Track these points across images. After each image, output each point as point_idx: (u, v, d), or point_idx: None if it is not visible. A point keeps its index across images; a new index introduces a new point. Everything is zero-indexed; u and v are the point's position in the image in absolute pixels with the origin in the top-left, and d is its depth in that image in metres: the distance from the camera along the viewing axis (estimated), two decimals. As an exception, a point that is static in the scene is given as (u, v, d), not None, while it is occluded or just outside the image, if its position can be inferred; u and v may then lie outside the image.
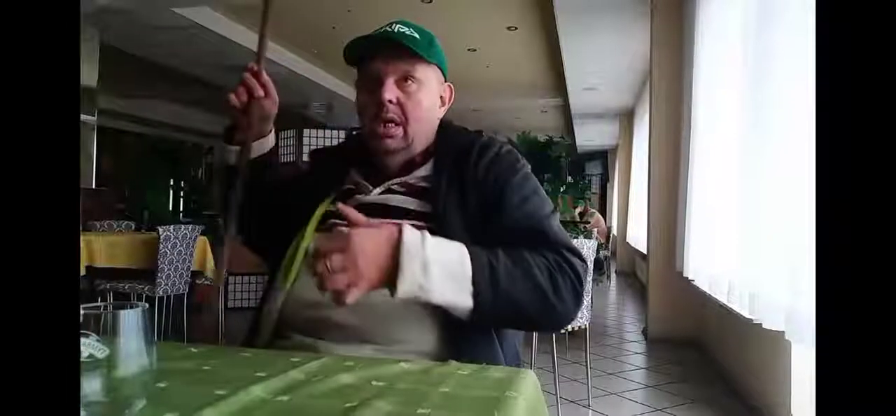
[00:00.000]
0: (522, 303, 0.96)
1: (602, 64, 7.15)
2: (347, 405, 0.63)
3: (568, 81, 8.00)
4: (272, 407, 0.63)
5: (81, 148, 5.87)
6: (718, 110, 3.66)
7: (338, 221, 1.07)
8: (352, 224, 0.90)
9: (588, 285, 3.14)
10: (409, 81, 1.12)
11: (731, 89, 3.33)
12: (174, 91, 9.53)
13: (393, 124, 1.12)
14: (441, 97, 1.21)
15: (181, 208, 12.10)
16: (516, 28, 6.80)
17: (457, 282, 0.91)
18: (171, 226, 4.18)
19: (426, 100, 1.14)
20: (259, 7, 1.16)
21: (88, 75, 6.28)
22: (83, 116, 6.20)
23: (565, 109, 10.21)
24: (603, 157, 15.90)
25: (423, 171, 1.16)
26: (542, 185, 1.23)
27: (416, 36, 1.13)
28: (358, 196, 1.15)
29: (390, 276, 0.87)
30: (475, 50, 7.66)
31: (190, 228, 4.32)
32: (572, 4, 5.29)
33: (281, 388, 0.68)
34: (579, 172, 9.34)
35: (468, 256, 0.93)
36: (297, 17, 6.06)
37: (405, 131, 1.13)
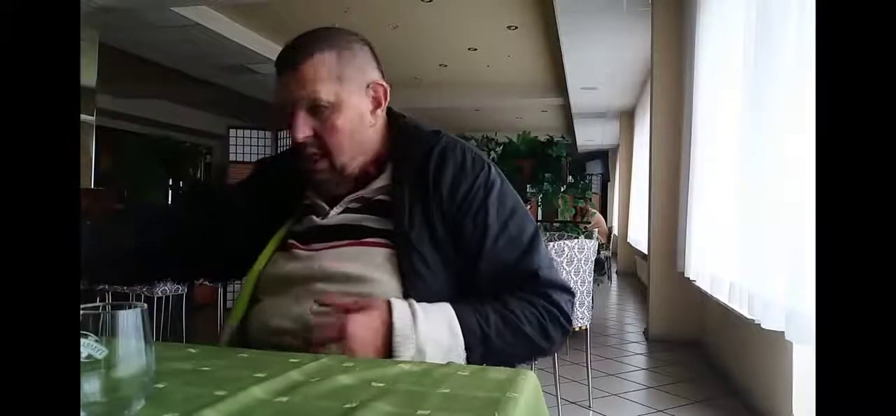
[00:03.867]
0: (513, 355, 1.01)
1: (602, 63, 7.14)
2: (347, 406, 0.62)
3: (568, 81, 7.98)
4: (271, 408, 0.63)
5: (80, 148, 5.87)
6: (719, 110, 3.66)
7: (295, 243, 1.05)
8: (339, 309, 0.90)
9: (589, 286, 3.13)
10: (322, 107, 0.99)
11: (732, 89, 3.32)
12: (174, 91, 9.52)
13: (315, 159, 1.02)
14: (374, 99, 1.05)
15: (180, 208, 12.06)
16: (516, 28, 6.79)
17: (450, 350, 0.93)
18: (171, 226, 4.16)
19: (347, 123, 1.00)
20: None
21: (88, 75, 6.27)
22: (82, 116, 6.19)
23: (566, 109, 10.19)
24: (604, 156, 15.88)
25: (381, 181, 1.06)
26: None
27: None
28: (313, 218, 1.07)
29: (387, 355, 0.90)
30: (475, 50, 7.65)
31: (190, 228, 4.31)
32: (572, 4, 5.28)
33: (280, 389, 0.68)
34: (580, 172, 9.32)
35: (458, 323, 0.94)
36: (294, 15, 6.05)
37: (331, 162, 1.02)
